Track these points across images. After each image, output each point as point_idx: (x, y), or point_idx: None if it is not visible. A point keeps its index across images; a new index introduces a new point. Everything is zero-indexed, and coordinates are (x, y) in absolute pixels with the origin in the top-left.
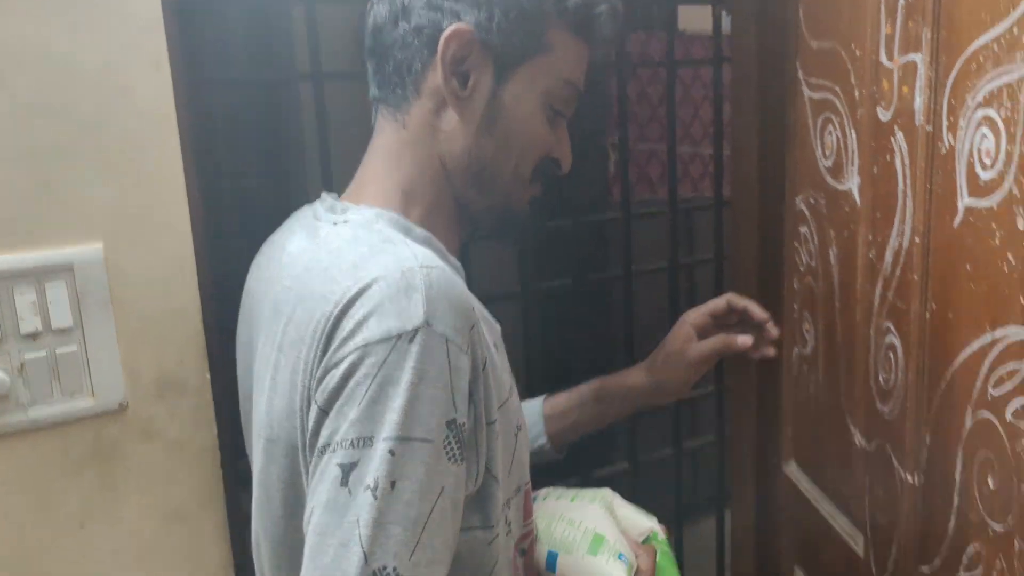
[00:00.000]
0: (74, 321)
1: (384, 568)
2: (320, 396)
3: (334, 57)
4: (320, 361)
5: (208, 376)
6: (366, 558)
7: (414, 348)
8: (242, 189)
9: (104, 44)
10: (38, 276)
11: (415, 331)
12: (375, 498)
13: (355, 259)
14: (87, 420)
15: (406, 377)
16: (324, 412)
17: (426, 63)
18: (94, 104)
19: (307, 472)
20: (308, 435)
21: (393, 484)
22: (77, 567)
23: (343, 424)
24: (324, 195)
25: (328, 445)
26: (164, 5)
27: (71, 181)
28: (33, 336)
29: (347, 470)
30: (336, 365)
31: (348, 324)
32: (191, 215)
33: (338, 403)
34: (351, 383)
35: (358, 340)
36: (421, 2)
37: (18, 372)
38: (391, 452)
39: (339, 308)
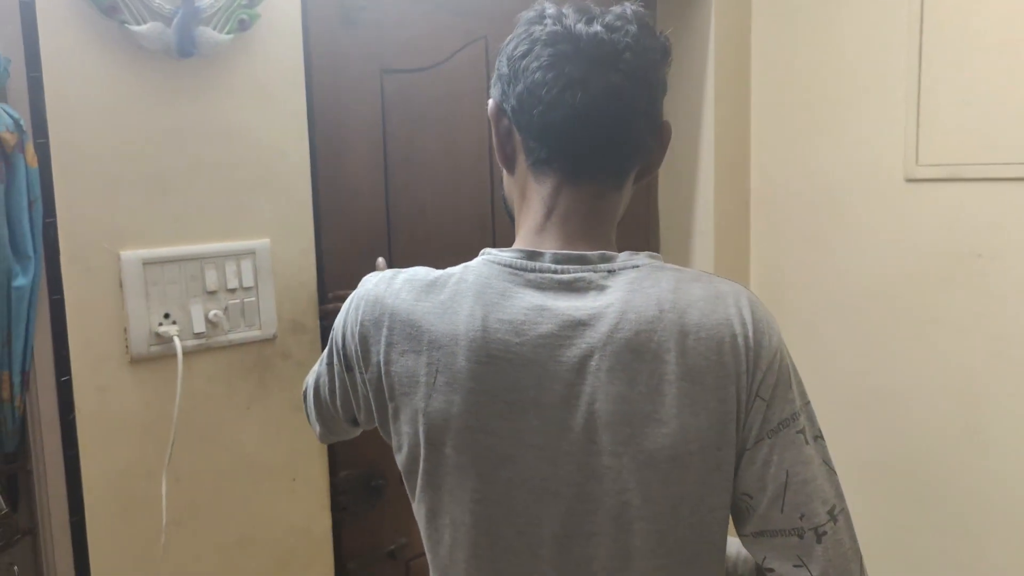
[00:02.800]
0: (254, 283)
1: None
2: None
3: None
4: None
5: (318, 322)
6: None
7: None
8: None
9: (270, 123)
10: (237, 256)
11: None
12: None
13: None
14: (255, 343)
15: None
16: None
17: None
18: (267, 159)
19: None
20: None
21: None
22: (244, 435)
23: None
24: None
25: None
26: (307, 99)
27: (254, 203)
28: (232, 291)
29: None
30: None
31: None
32: (314, 225)
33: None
34: None
35: None
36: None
37: (224, 311)
38: None
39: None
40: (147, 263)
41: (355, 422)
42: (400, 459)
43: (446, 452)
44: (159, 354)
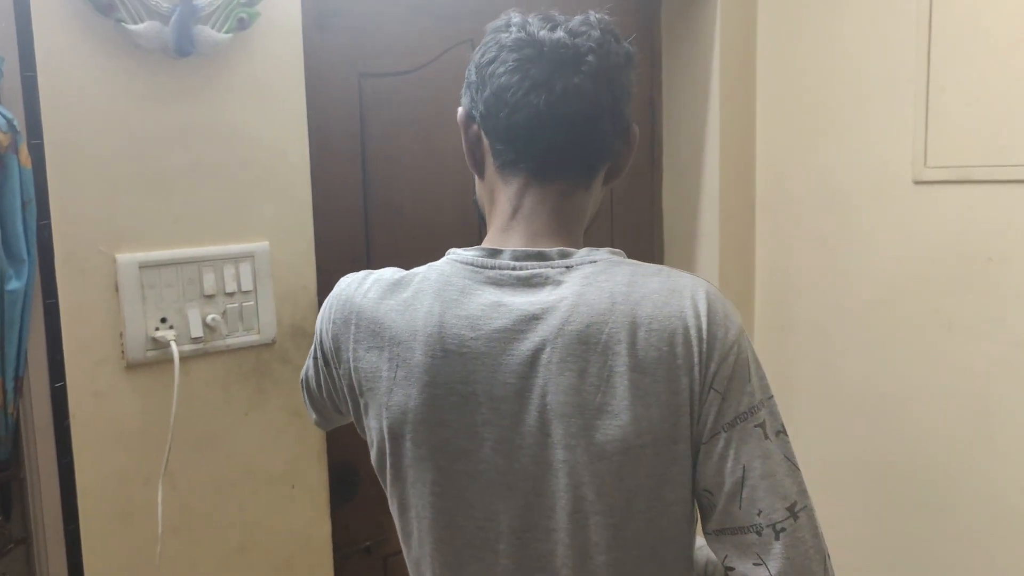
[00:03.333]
0: (253, 286)
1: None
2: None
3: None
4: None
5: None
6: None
7: None
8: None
9: (270, 123)
10: (236, 259)
11: None
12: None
13: None
14: (254, 348)
15: None
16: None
17: None
18: (266, 160)
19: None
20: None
21: None
22: (242, 441)
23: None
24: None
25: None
26: (307, 99)
27: (253, 205)
28: (231, 295)
29: None
30: None
31: None
32: (315, 228)
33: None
34: None
35: None
36: None
37: (222, 315)
38: None
39: None
40: (144, 266)
41: (340, 409)
42: (372, 455)
43: (407, 446)
44: (156, 359)
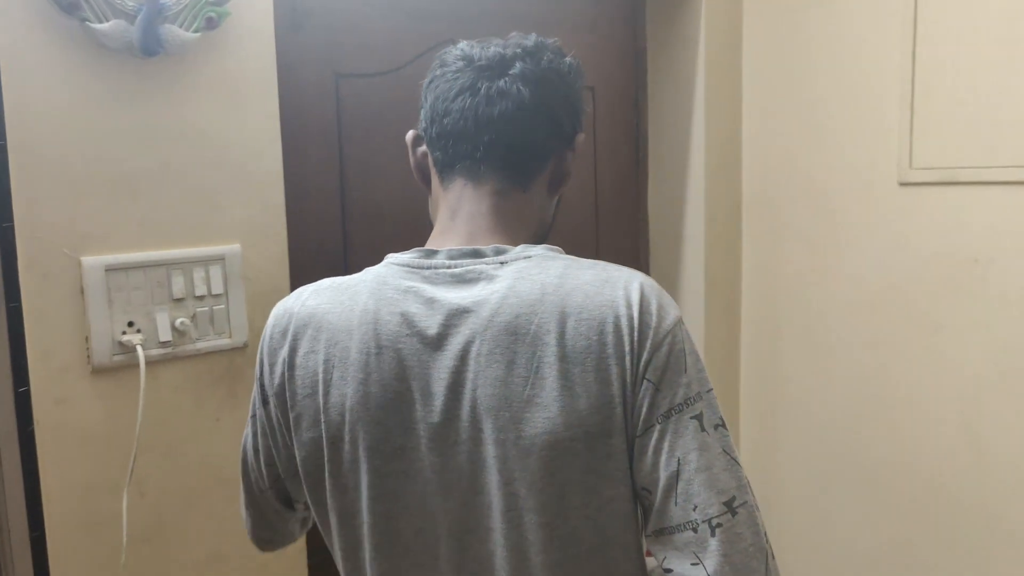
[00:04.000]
0: (223, 290)
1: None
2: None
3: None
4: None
5: None
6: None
7: None
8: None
9: (241, 123)
10: (206, 262)
11: None
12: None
13: None
14: (225, 352)
15: None
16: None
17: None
18: (237, 161)
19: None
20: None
21: None
22: (213, 447)
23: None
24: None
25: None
26: (281, 99)
27: (224, 207)
28: (201, 298)
29: None
30: None
31: None
32: (290, 230)
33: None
34: None
35: None
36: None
37: (192, 319)
38: None
39: None
40: (110, 269)
41: (283, 496)
42: (302, 472)
43: (344, 448)
44: (122, 364)
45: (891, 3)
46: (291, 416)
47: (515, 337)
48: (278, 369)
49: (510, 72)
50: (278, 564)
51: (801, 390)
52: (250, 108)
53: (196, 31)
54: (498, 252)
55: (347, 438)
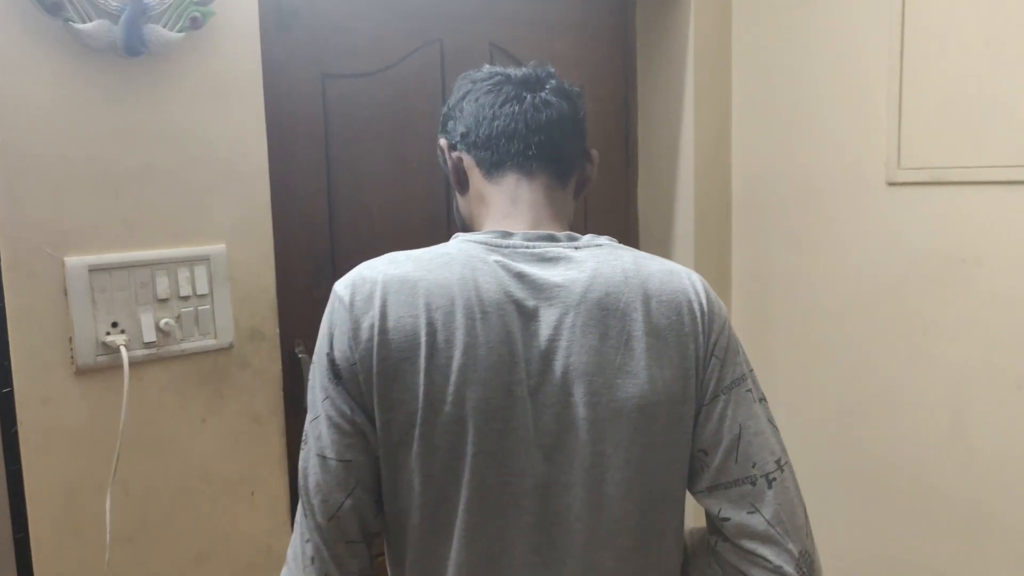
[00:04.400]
0: (209, 290)
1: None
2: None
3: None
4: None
5: (277, 330)
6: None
7: None
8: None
9: (226, 123)
10: (191, 262)
11: None
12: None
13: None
14: (211, 352)
15: None
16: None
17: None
18: (222, 160)
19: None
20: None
21: None
22: (199, 447)
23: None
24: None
25: None
26: (265, 102)
27: (209, 207)
28: (186, 298)
29: None
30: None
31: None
32: (276, 230)
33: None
34: None
35: None
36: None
37: (176, 320)
38: None
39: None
40: (94, 269)
41: (360, 514)
42: (384, 439)
43: (445, 409)
44: (106, 364)
45: (879, 4)
46: (377, 383)
47: (606, 312)
48: (364, 335)
49: (547, 87)
50: (264, 564)
51: (790, 389)
52: (235, 108)
53: (180, 31)
54: (570, 238)
55: (450, 399)
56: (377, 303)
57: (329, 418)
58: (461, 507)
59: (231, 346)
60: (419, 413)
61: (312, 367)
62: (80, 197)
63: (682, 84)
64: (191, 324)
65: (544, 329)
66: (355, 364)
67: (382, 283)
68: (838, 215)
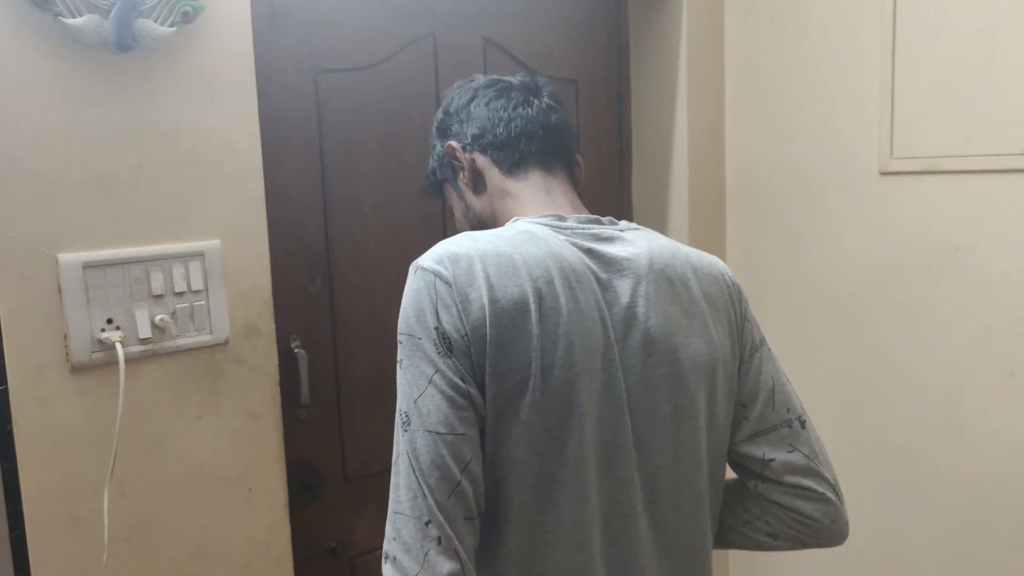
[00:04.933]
0: (204, 286)
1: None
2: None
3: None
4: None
5: (273, 326)
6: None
7: None
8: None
9: (219, 118)
10: (185, 258)
11: None
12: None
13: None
14: (206, 349)
15: None
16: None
17: None
18: (216, 156)
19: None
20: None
21: None
22: (195, 445)
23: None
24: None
25: None
26: (258, 97)
27: (203, 203)
28: (180, 294)
29: None
30: None
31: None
32: (270, 226)
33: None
34: None
35: None
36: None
37: (171, 316)
38: None
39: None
40: (88, 266)
41: (475, 487)
42: (493, 407)
43: (554, 373)
44: (102, 361)
45: None
46: (490, 351)
47: (671, 281)
48: (473, 306)
49: (546, 92)
50: (262, 561)
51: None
52: (227, 103)
53: (172, 25)
54: (612, 222)
55: (560, 363)
56: (480, 275)
57: (443, 392)
58: (568, 469)
59: (227, 342)
60: (531, 379)
61: (407, 347)
62: (73, 195)
63: (675, 76)
64: (186, 320)
65: (622, 297)
66: (467, 336)
67: (478, 257)
68: (831, 205)
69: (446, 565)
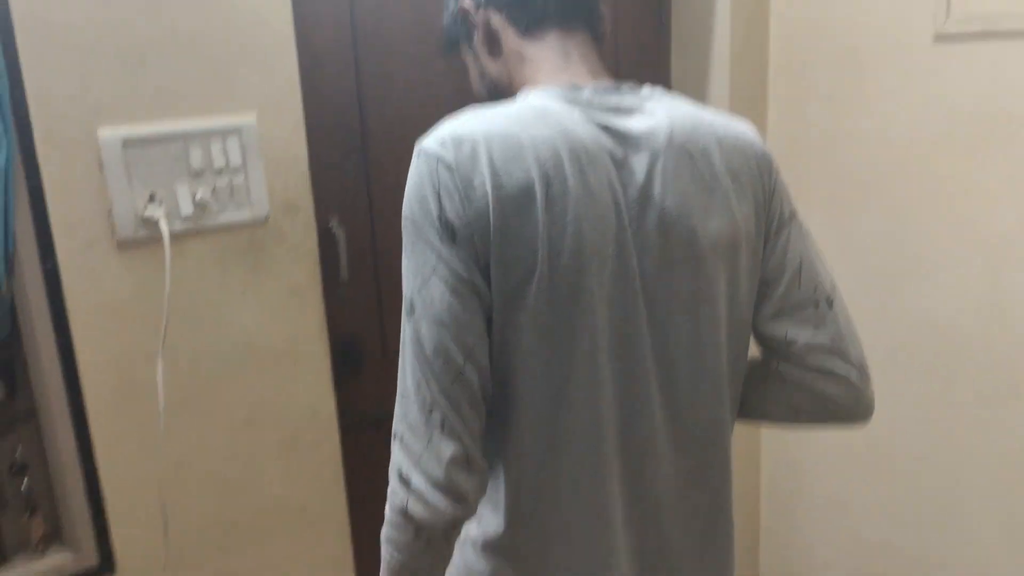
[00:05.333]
0: (242, 162)
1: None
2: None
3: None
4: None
5: (311, 202)
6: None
7: None
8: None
9: None
10: (222, 133)
11: None
12: None
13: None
14: (247, 226)
15: None
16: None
17: None
18: (247, 29)
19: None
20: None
21: None
22: (240, 316)
23: None
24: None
25: None
26: None
27: (237, 76)
28: (219, 171)
29: None
30: None
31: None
32: (303, 98)
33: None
34: None
35: None
36: None
37: (212, 192)
38: None
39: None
40: (128, 143)
41: (481, 371)
42: (500, 295)
43: (563, 258)
44: (146, 238)
45: None
46: (495, 239)
47: (691, 156)
48: (477, 193)
49: None
50: (310, 429)
51: (826, 251)
52: None
53: None
54: (631, 89)
55: (568, 247)
56: (484, 159)
57: (445, 281)
58: (580, 358)
59: (267, 219)
60: (538, 265)
61: (411, 233)
62: (109, 66)
63: None
64: (226, 197)
65: (637, 176)
66: (470, 223)
67: (483, 140)
68: (881, 73)
69: (449, 448)
